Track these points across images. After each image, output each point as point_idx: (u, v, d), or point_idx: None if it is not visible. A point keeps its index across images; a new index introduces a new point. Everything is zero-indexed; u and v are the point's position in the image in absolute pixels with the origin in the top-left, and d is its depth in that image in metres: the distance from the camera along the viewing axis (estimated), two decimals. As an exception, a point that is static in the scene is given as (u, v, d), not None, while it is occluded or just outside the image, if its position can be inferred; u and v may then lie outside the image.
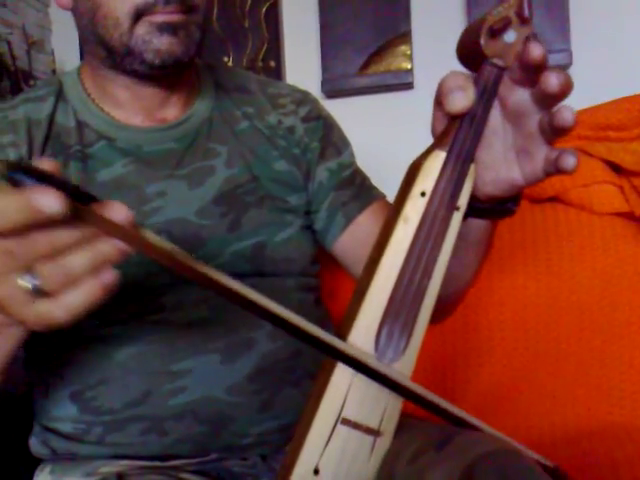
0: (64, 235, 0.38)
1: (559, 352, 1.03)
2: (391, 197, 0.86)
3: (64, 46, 1.93)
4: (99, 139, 0.76)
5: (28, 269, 0.38)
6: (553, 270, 1.06)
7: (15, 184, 0.36)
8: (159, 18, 0.69)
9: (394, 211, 0.54)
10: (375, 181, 0.89)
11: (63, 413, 0.74)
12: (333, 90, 1.71)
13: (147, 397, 0.71)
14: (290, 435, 0.76)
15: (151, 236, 0.41)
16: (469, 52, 0.55)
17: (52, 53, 1.95)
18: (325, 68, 1.72)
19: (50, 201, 0.35)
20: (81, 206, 0.37)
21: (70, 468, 0.74)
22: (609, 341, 1.01)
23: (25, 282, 0.38)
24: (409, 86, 1.68)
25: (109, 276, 0.39)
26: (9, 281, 0.38)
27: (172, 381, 0.71)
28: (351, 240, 0.83)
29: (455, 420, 0.58)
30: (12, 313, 0.40)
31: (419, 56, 1.68)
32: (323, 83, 1.71)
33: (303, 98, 0.87)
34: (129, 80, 0.76)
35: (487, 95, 0.53)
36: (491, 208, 0.61)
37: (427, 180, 0.53)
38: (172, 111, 0.79)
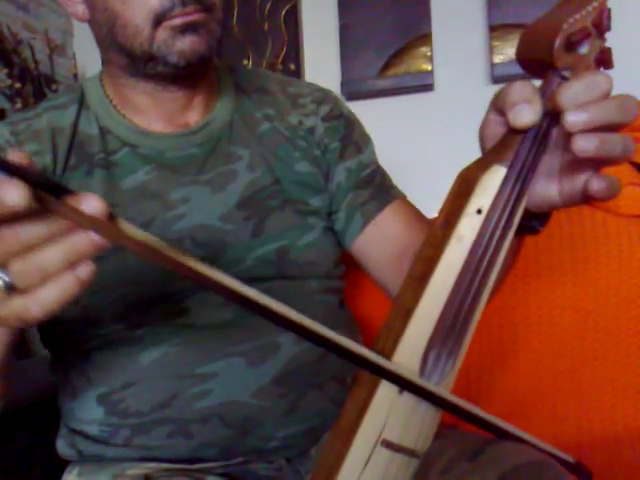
0: (35, 230, 0.37)
1: (585, 356, 1.01)
2: (412, 198, 0.86)
3: (85, 50, 1.96)
4: (122, 146, 0.77)
5: (0, 266, 0.37)
6: (579, 273, 1.05)
7: None
8: (178, 21, 0.68)
9: (445, 226, 0.51)
10: (395, 183, 0.88)
11: (90, 415, 0.74)
12: (353, 92, 1.71)
13: (173, 400, 0.71)
14: (316, 438, 0.76)
15: (128, 227, 0.39)
16: (535, 58, 0.51)
17: (74, 57, 1.97)
18: (345, 70, 1.72)
19: (14, 193, 0.33)
20: (51, 198, 0.36)
21: (98, 470, 0.75)
22: (636, 344, 1.00)
23: None
24: (429, 88, 1.68)
25: (85, 270, 0.38)
26: None
27: (198, 384, 0.71)
28: (369, 240, 0.82)
29: (507, 435, 0.57)
30: None
31: (439, 58, 1.68)
32: (343, 85, 1.71)
33: (324, 97, 0.86)
34: (150, 86, 0.76)
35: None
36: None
37: (485, 197, 0.49)
38: (193, 115, 0.80)
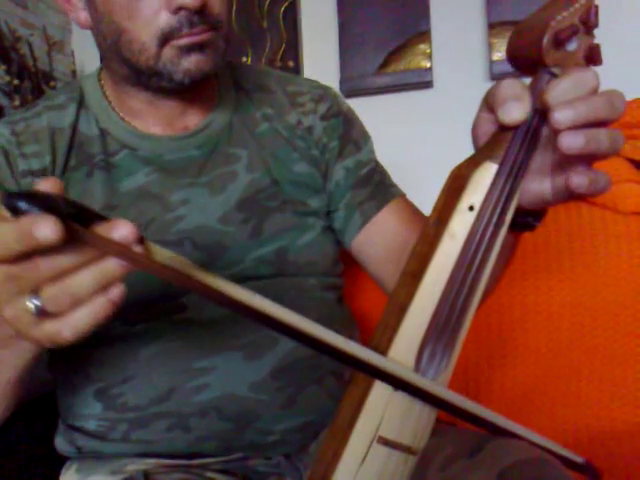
0: (66, 258, 0.38)
1: (583, 353, 1.02)
2: (411, 196, 0.86)
3: (84, 47, 1.96)
4: (122, 148, 0.77)
5: (34, 291, 0.38)
6: (577, 270, 1.05)
7: (15, 211, 0.36)
8: (186, 41, 0.68)
9: (437, 223, 0.51)
10: (394, 180, 0.88)
11: (88, 411, 0.75)
12: (352, 89, 1.71)
13: (171, 394, 0.71)
14: (314, 433, 0.76)
15: (159, 252, 0.40)
16: (525, 55, 0.51)
17: (72, 54, 1.97)
18: (344, 67, 1.72)
19: (46, 229, 0.34)
20: (81, 229, 0.37)
21: (96, 466, 0.75)
22: (634, 342, 1.00)
23: (30, 304, 0.38)
24: (428, 85, 1.68)
25: (116, 292, 0.39)
26: (16, 304, 0.39)
27: (195, 378, 0.71)
28: (368, 239, 0.82)
29: (507, 434, 0.57)
30: (21, 333, 0.40)
31: (439, 55, 1.68)
32: (342, 82, 1.71)
33: (323, 94, 0.86)
34: (151, 95, 0.76)
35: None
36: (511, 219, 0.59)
37: (476, 194, 0.50)
38: (192, 118, 0.79)
